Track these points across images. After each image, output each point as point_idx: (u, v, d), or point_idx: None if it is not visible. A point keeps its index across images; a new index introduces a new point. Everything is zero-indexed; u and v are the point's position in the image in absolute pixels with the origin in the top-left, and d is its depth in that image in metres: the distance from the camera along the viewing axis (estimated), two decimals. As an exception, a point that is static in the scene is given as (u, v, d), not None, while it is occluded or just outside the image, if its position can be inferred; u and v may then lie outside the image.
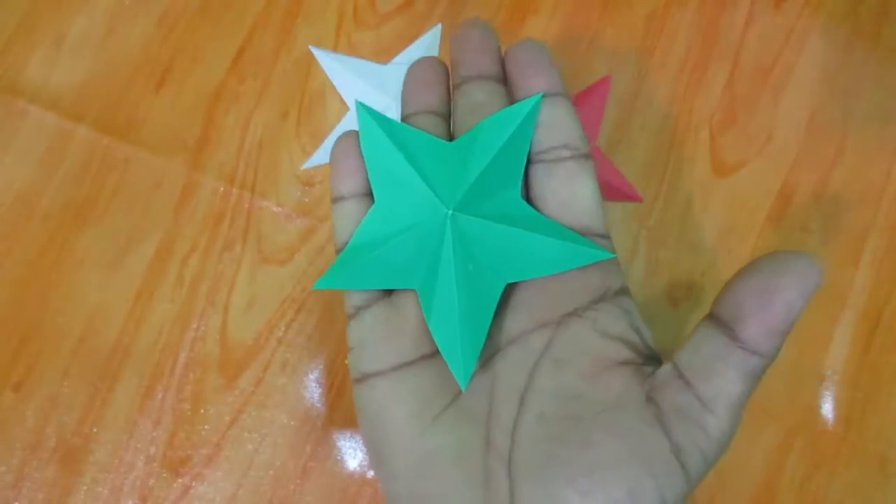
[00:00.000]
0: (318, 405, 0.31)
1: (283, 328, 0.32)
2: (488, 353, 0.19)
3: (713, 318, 0.17)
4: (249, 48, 0.34)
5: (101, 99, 0.33)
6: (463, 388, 0.18)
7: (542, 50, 0.21)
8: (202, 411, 0.31)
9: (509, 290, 0.20)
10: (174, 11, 0.34)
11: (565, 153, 0.20)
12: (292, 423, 0.31)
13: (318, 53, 0.34)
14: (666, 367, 0.17)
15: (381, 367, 0.19)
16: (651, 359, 0.19)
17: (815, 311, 0.32)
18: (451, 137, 0.21)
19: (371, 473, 0.31)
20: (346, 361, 0.31)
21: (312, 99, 0.34)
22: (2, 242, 0.32)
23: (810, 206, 0.33)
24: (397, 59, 0.34)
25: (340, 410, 0.31)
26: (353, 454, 0.31)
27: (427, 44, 0.34)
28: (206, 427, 0.31)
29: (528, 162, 0.20)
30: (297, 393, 0.31)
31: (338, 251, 0.21)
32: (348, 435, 0.31)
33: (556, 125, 0.20)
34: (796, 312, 0.16)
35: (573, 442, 0.17)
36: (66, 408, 0.31)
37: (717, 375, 0.16)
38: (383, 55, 0.34)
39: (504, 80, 0.21)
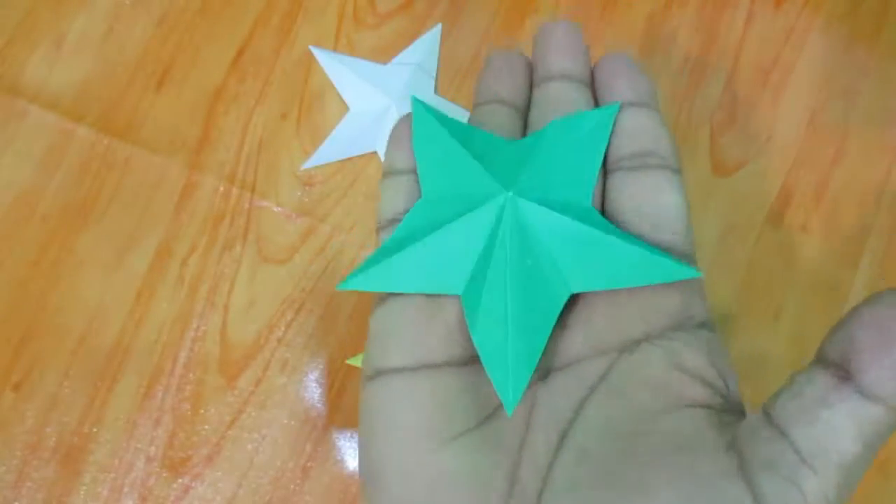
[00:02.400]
0: (318, 405, 0.31)
1: (283, 328, 0.32)
2: (532, 375, 0.16)
3: (818, 361, 0.14)
4: (249, 48, 0.34)
5: (101, 99, 0.33)
6: (509, 412, 0.15)
7: (633, 62, 0.19)
8: (202, 411, 0.31)
9: (569, 303, 0.16)
10: (174, 11, 0.34)
11: (651, 161, 0.17)
12: (292, 423, 0.31)
13: (318, 53, 0.34)
14: (754, 416, 0.14)
15: (401, 363, 0.16)
16: (733, 409, 0.15)
17: (816, 311, 0.32)
18: (524, 135, 0.20)
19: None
20: (347, 361, 0.31)
21: (312, 99, 0.34)
22: (2, 242, 0.32)
23: (810, 206, 0.33)
24: (397, 59, 0.34)
25: (340, 410, 0.31)
26: (353, 454, 0.31)
27: (427, 44, 0.34)
28: (206, 427, 0.31)
29: (606, 173, 0.18)
30: (297, 393, 0.31)
31: (379, 228, 0.18)
32: (348, 435, 0.31)
33: (642, 133, 0.18)
34: None
35: (622, 485, 0.14)
36: (66, 408, 0.31)
37: (822, 422, 0.13)
38: (383, 55, 0.34)
39: (590, 84, 0.19)
